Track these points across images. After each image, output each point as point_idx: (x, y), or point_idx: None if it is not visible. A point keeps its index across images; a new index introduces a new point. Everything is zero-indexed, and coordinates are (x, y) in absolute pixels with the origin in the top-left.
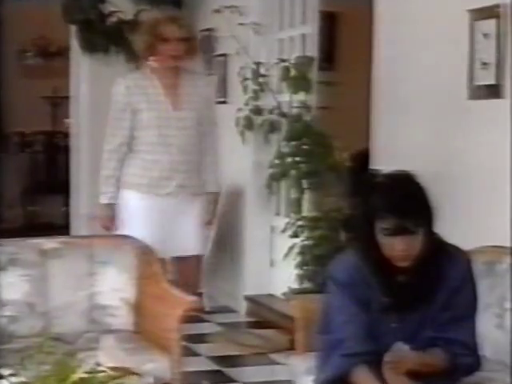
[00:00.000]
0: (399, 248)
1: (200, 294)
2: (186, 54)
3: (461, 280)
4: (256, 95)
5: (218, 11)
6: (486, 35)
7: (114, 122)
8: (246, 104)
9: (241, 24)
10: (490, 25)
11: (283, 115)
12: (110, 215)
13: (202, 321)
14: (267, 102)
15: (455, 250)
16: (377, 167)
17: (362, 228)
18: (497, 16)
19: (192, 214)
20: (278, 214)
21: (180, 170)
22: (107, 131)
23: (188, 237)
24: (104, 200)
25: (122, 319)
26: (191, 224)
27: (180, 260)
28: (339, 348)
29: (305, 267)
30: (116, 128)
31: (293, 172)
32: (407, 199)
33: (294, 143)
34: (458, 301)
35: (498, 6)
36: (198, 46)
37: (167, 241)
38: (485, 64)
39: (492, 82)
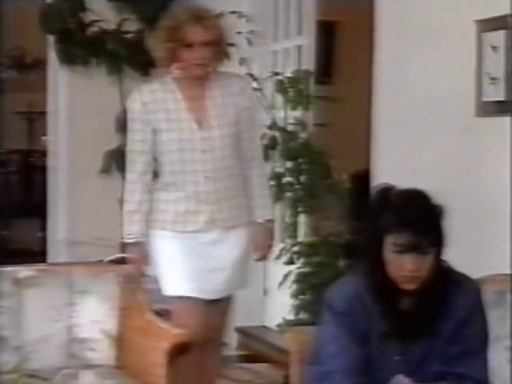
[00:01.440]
0: (409, 268)
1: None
2: (214, 60)
3: (470, 310)
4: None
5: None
6: (494, 48)
7: (133, 145)
8: None
9: (239, 33)
10: (498, 36)
11: (284, 131)
12: (139, 254)
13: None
14: (260, 117)
15: (464, 278)
16: None
17: (368, 245)
18: (506, 27)
19: (227, 251)
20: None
21: (209, 201)
22: (127, 157)
23: (221, 279)
24: (129, 240)
25: (103, 353)
26: (225, 263)
27: (206, 306)
28: (325, 381)
29: (301, 296)
30: (136, 153)
31: (288, 194)
32: (423, 215)
33: (289, 163)
34: (467, 333)
35: (507, 16)
36: (227, 51)
37: (199, 281)
38: (493, 79)
39: (501, 98)
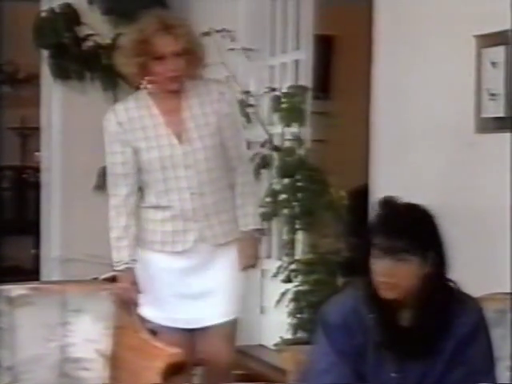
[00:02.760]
0: (382, 272)
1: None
2: (189, 70)
3: (473, 328)
4: (244, 127)
5: (207, 34)
6: (494, 63)
7: (114, 168)
8: None
9: (231, 49)
10: (498, 52)
11: (276, 149)
12: (130, 281)
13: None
14: (256, 134)
15: (467, 297)
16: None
17: (362, 256)
18: (506, 43)
19: (220, 273)
20: (269, 256)
21: (197, 218)
22: (108, 180)
23: (215, 301)
24: (119, 267)
25: (97, 373)
26: (219, 283)
27: (204, 332)
28: None
29: (299, 315)
30: (118, 176)
31: (285, 211)
32: (398, 218)
33: (286, 180)
34: (472, 353)
35: (507, 31)
36: (204, 55)
37: (190, 309)
38: (493, 95)
39: (501, 114)
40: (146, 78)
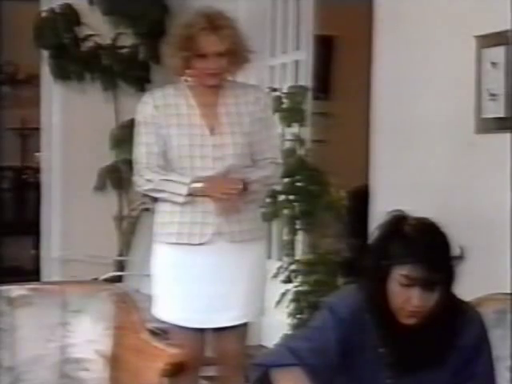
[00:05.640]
0: (415, 303)
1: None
2: (230, 69)
3: (477, 340)
4: None
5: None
6: (494, 64)
7: (147, 147)
8: None
9: None
10: (498, 52)
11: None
12: (212, 184)
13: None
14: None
15: (468, 307)
16: (377, 206)
17: (373, 271)
18: (506, 43)
19: (238, 272)
20: (269, 257)
21: (217, 212)
22: (139, 162)
23: (231, 303)
24: (185, 192)
25: (98, 374)
26: (237, 282)
27: (218, 332)
28: (286, 357)
29: (299, 316)
30: (151, 155)
31: (285, 211)
32: (437, 251)
33: (286, 180)
34: (477, 368)
35: (507, 31)
36: (248, 57)
37: (205, 307)
38: (493, 95)
39: (501, 114)
40: (188, 71)
